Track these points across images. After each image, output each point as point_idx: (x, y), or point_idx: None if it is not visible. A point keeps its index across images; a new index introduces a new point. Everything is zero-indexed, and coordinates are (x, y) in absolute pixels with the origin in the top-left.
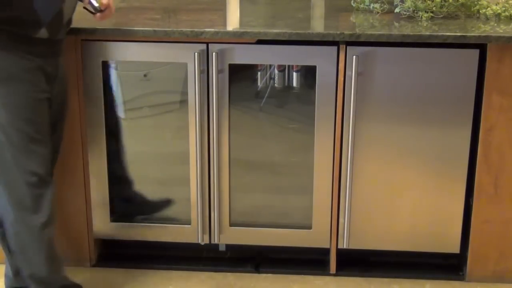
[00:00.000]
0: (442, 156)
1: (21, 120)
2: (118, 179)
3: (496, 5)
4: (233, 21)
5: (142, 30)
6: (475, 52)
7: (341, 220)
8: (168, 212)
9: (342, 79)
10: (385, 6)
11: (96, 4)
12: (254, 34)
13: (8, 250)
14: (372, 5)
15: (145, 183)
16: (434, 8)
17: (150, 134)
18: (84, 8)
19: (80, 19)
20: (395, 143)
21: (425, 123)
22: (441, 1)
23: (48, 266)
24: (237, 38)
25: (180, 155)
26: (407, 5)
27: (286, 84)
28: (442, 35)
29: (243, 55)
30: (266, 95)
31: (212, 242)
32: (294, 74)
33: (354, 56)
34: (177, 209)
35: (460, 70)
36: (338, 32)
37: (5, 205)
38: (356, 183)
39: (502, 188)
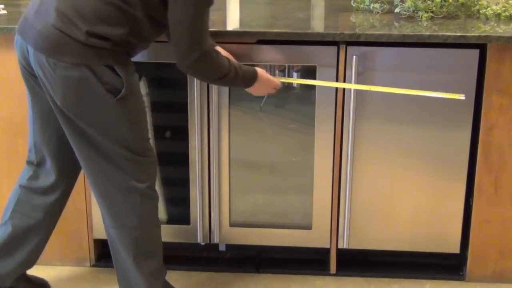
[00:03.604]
0: (442, 156)
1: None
2: None
3: (496, 5)
4: (233, 21)
5: None
6: (475, 52)
7: (341, 220)
8: (168, 212)
9: (342, 79)
10: (385, 6)
11: None
12: (254, 34)
13: None
14: (372, 5)
15: None
16: (434, 8)
17: (150, 134)
18: None
19: None
20: (395, 143)
21: (425, 123)
22: (441, 1)
23: None
24: (237, 38)
25: (180, 155)
26: (407, 5)
27: (286, 84)
28: (442, 35)
29: (243, 55)
30: (266, 95)
31: (212, 242)
32: (294, 74)
33: (354, 56)
34: (177, 209)
35: (460, 70)
36: (338, 32)
37: None
38: (356, 183)
39: (502, 188)
